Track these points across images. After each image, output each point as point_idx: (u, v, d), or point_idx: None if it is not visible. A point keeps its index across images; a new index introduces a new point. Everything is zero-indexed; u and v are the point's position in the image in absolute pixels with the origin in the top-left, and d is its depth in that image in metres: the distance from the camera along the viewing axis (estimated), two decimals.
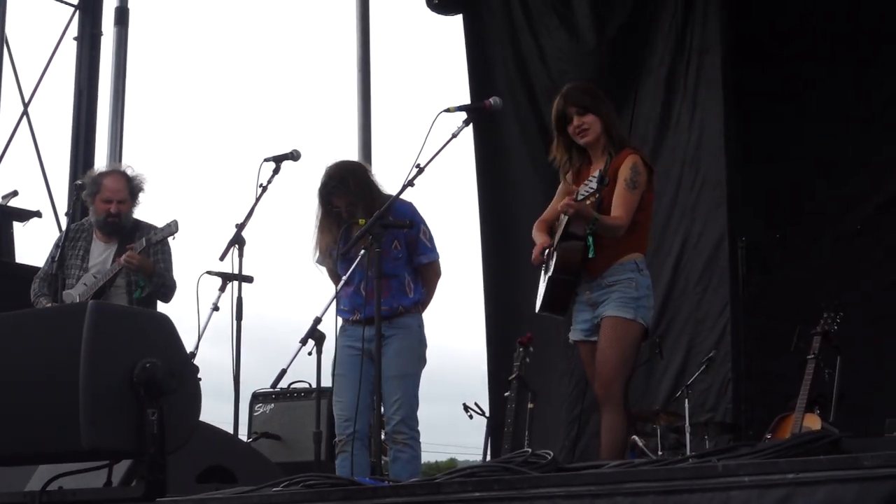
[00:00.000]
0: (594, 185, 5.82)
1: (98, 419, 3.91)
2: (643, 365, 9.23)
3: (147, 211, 7.89)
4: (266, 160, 7.16)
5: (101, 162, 10.24)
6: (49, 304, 7.60)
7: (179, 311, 7.78)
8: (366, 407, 6.52)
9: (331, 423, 7.21)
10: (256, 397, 8.40)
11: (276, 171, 7.18)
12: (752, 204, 9.33)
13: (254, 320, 7.38)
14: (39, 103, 10.56)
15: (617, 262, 6.02)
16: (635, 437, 8.29)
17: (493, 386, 10.08)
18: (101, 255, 7.71)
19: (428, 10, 11.16)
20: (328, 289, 6.48)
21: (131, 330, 4.10)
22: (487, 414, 9.67)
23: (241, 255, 7.07)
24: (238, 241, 7.06)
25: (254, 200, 7.14)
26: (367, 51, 11.54)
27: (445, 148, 6.11)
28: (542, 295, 6.25)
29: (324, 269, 7.01)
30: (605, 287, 6.03)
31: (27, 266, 9.16)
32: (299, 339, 6.24)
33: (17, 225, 10.03)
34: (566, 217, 6.00)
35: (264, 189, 7.15)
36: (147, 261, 7.48)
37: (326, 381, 6.76)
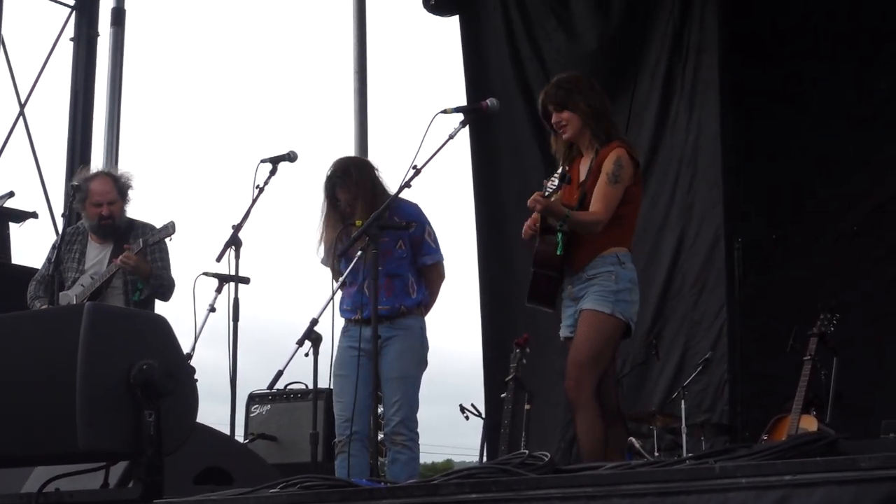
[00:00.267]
0: (557, 182, 5.84)
1: (95, 421, 3.90)
2: (639, 366, 9.25)
3: (143, 211, 7.90)
4: (263, 161, 7.16)
5: (97, 163, 10.22)
6: (44, 307, 7.59)
7: (176, 312, 7.77)
8: (365, 408, 6.52)
9: (328, 424, 7.21)
10: (253, 398, 8.40)
11: (272, 172, 7.17)
12: (749, 204, 9.34)
13: (250, 321, 7.39)
14: (36, 104, 10.56)
15: (598, 256, 5.97)
16: (632, 439, 8.30)
17: (490, 387, 10.07)
18: (97, 256, 7.71)
19: (425, 11, 11.15)
20: (325, 290, 6.47)
21: (128, 331, 4.10)
22: (484, 415, 9.68)
23: (237, 257, 7.07)
24: (235, 242, 7.05)
25: (250, 202, 7.14)
26: (364, 52, 11.54)
27: (442, 149, 6.10)
28: (528, 286, 6.25)
29: (328, 270, 6.99)
30: (586, 281, 5.97)
31: (23, 267, 9.15)
32: (296, 340, 6.25)
33: (13, 226, 10.01)
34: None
35: (261, 190, 7.15)
36: (144, 262, 7.47)
37: (323, 383, 6.75)
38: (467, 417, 9.55)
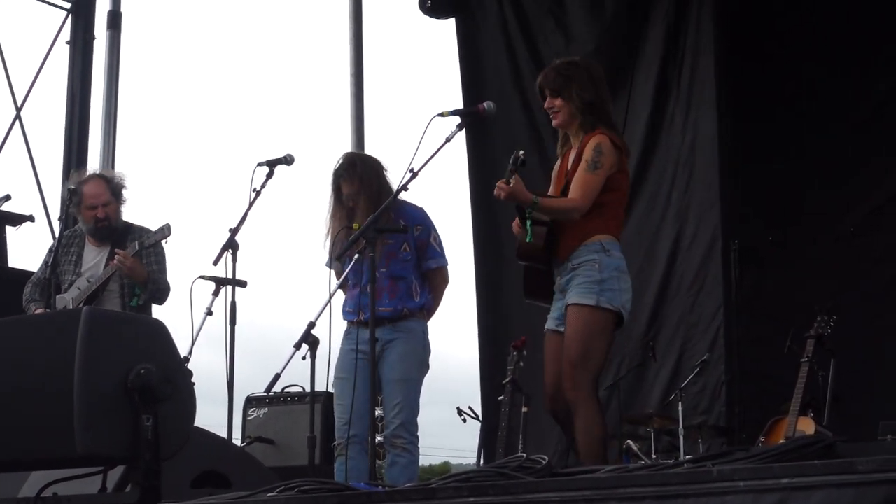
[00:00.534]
0: (510, 165, 5.78)
1: (92, 425, 3.89)
2: (636, 368, 9.26)
3: (140, 214, 7.91)
4: (260, 164, 7.14)
5: (94, 166, 10.22)
6: (40, 310, 7.59)
7: (173, 315, 7.77)
8: (365, 411, 6.51)
9: (325, 428, 7.21)
10: (250, 401, 8.40)
11: (269, 175, 7.16)
12: (746, 205, 9.36)
13: (247, 325, 7.39)
14: (32, 107, 10.58)
15: (582, 244, 5.89)
16: (630, 442, 8.31)
17: (487, 390, 10.07)
18: (93, 259, 7.71)
19: (421, 13, 11.16)
20: (322, 293, 6.47)
21: (126, 336, 4.09)
22: (481, 418, 9.68)
23: (234, 260, 7.05)
24: (232, 245, 7.04)
25: (247, 205, 7.13)
26: (360, 54, 11.54)
27: (439, 152, 6.09)
28: (522, 282, 6.23)
29: (325, 273, 7.00)
30: (571, 270, 5.90)
31: (20, 270, 9.14)
32: (293, 343, 6.25)
33: (9, 229, 10.01)
34: None
35: (258, 193, 7.13)
36: (140, 266, 7.47)
37: (320, 386, 6.75)
38: (465, 420, 9.56)
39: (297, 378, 7.80)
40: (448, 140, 6.07)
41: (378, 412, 7.66)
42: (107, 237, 7.69)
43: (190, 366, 6.84)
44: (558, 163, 6.26)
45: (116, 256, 7.40)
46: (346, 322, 6.95)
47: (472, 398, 10.13)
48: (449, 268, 7.10)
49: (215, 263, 7.08)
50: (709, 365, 8.84)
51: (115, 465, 4.26)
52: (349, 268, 6.52)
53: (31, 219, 10.13)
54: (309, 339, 6.26)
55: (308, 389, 6.79)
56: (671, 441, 8.56)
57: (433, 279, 6.99)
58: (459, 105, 10.23)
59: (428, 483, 4.06)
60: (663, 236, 9.59)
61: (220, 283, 7.19)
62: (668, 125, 9.71)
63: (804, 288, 8.80)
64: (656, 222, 9.65)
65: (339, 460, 6.70)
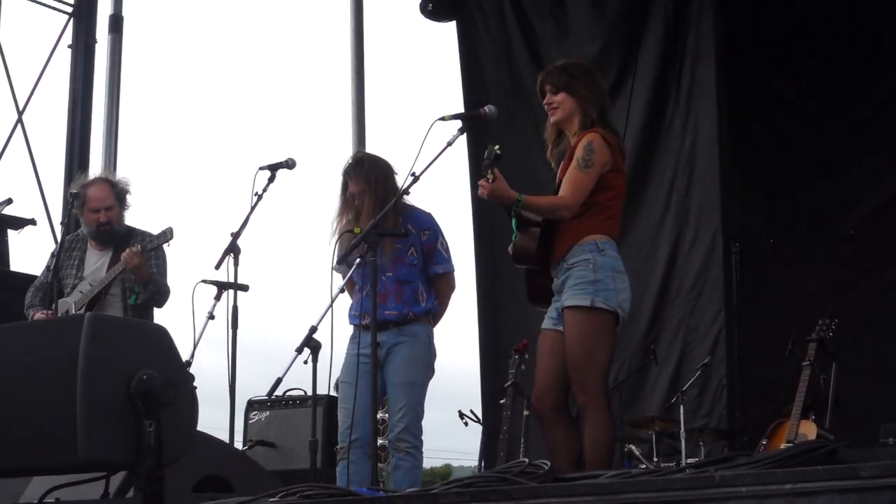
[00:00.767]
0: (485, 160, 5.73)
1: (95, 431, 3.90)
2: (636, 372, 9.26)
3: (141, 218, 7.91)
4: (261, 168, 7.15)
5: (95, 169, 10.24)
6: (39, 315, 7.60)
7: (175, 319, 7.78)
8: (366, 415, 6.50)
9: (327, 431, 7.21)
10: (252, 405, 8.40)
11: (271, 179, 7.16)
12: (746, 208, 9.35)
13: (249, 329, 7.40)
14: (34, 111, 10.58)
15: (576, 244, 5.85)
16: (632, 447, 8.31)
17: (488, 393, 10.07)
18: (95, 263, 7.71)
19: (422, 16, 11.16)
20: (324, 297, 6.47)
21: (128, 342, 4.09)
22: (482, 421, 9.68)
23: (236, 264, 7.06)
24: (233, 249, 7.04)
25: (249, 209, 7.13)
26: (361, 57, 11.55)
27: (440, 156, 6.08)
28: (525, 288, 6.22)
29: (327, 277, 7.00)
30: (566, 271, 5.86)
31: (22, 274, 9.15)
32: (295, 347, 6.25)
33: (11, 233, 10.02)
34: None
35: (259, 197, 7.13)
36: (145, 264, 7.48)
37: (322, 390, 6.75)
38: (466, 423, 9.57)
39: (298, 382, 7.81)
40: (449, 144, 6.05)
41: (383, 416, 7.67)
42: (109, 241, 7.70)
43: (192, 369, 6.86)
44: (552, 158, 6.24)
45: (127, 251, 7.39)
46: (351, 326, 6.95)
47: (474, 401, 10.14)
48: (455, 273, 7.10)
49: (217, 267, 7.09)
50: (710, 368, 8.83)
51: (117, 471, 4.26)
52: (351, 272, 6.53)
53: (32, 222, 10.14)
54: (311, 343, 6.26)
55: (310, 393, 6.79)
56: (672, 444, 8.57)
57: (439, 284, 6.98)
58: (460, 108, 10.26)
59: (430, 489, 4.07)
60: (663, 239, 9.59)
61: (221, 287, 7.19)
62: (667, 128, 9.71)
63: (805, 291, 8.80)
64: (655, 225, 9.65)
65: (342, 464, 6.69)
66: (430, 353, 6.89)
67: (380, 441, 7.13)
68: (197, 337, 7.16)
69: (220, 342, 7.08)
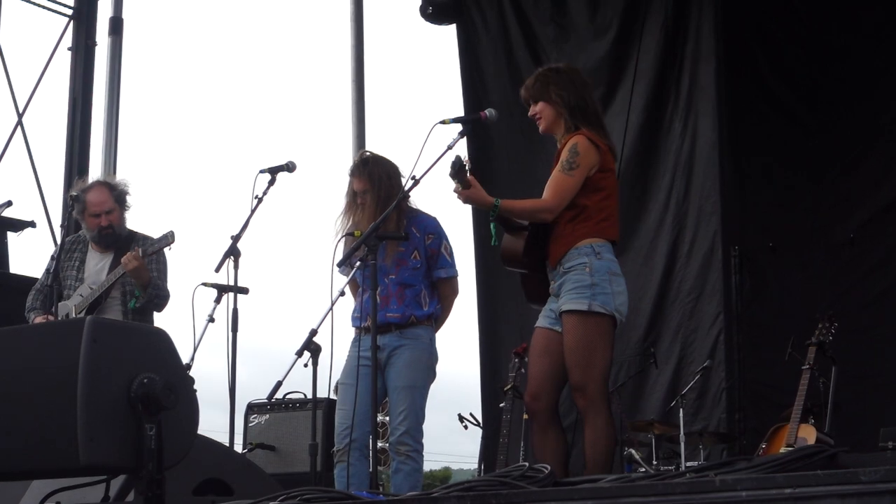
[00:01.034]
0: (450, 170, 5.77)
1: (96, 435, 3.89)
2: (635, 375, 9.26)
3: (141, 221, 7.91)
4: (262, 171, 7.16)
5: (95, 172, 10.25)
6: (40, 318, 7.60)
7: (175, 322, 7.78)
8: (366, 416, 6.51)
9: (327, 434, 7.21)
10: (251, 408, 8.40)
11: (271, 182, 7.17)
12: (746, 212, 9.36)
13: (249, 332, 7.40)
14: (34, 113, 10.58)
15: (573, 248, 5.85)
16: (632, 450, 8.30)
17: (487, 396, 10.07)
18: (96, 266, 7.71)
19: (422, 19, 11.16)
20: (324, 300, 6.48)
21: (129, 345, 4.08)
22: (482, 424, 9.68)
23: (236, 267, 7.07)
24: (233, 252, 7.05)
25: (249, 212, 7.14)
26: (361, 60, 11.55)
27: (441, 160, 6.08)
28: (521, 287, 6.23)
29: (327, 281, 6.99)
30: (562, 274, 5.87)
31: (21, 276, 9.16)
32: (295, 350, 6.25)
33: (11, 235, 10.02)
34: None
35: (260, 200, 7.14)
36: (146, 268, 7.48)
37: (322, 393, 6.76)
38: (466, 427, 9.57)
39: (298, 385, 7.81)
40: (450, 147, 6.05)
41: (383, 418, 7.67)
42: (111, 244, 7.70)
43: (192, 372, 6.86)
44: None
45: (127, 254, 7.39)
46: (353, 329, 6.95)
47: (474, 404, 10.14)
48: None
49: (217, 270, 7.10)
50: (709, 371, 8.83)
51: (118, 475, 4.26)
52: (353, 273, 6.53)
53: (32, 225, 10.14)
54: (311, 347, 6.26)
55: (309, 396, 6.79)
56: (672, 448, 8.56)
57: (443, 289, 6.99)
58: (460, 112, 10.28)
59: (430, 492, 4.07)
60: (661, 242, 9.59)
61: (222, 290, 7.20)
62: (666, 130, 9.71)
63: (805, 294, 8.81)
64: (654, 227, 9.65)
65: (339, 466, 6.69)
66: (431, 357, 6.89)
67: (380, 444, 7.13)
68: (197, 340, 7.16)
69: (220, 345, 7.09)
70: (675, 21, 9.74)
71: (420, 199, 6.92)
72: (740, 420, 8.68)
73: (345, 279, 6.74)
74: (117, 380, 3.99)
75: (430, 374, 6.90)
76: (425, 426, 6.85)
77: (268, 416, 8.35)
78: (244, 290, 7.21)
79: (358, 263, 6.38)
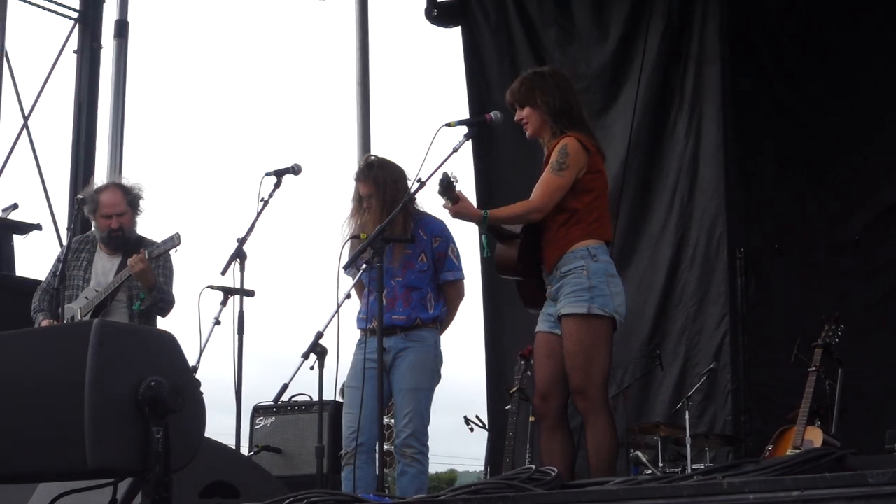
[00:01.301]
0: (439, 187, 5.77)
1: (103, 438, 3.89)
2: (641, 378, 9.26)
3: (146, 223, 7.91)
4: (267, 174, 7.16)
5: (101, 175, 10.25)
6: (47, 320, 7.60)
7: (181, 325, 7.78)
8: (373, 420, 6.51)
9: (334, 437, 7.21)
10: (257, 410, 8.39)
11: (277, 185, 7.17)
12: (751, 213, 9.35)
13: (256, 334, 7.40)
14: (39, 116, 10.58)
15: (568, 251, 5.85)
16: (638, 453, 8.30)
17: (493, 399, 10.07)
18: (104, 267, 7.72)
19: (427, 21, 11.17)
20: (331, 303, 6.48)
21: (136, 348, 4.08)
22: (488, 427, 9.68)
23: (242, 270, 7.06)
24: (239, 255, 7.05)
25: (255, 214, 7.14)
26: (366, 62, 11.54)
27: (446, 162, 6.08)
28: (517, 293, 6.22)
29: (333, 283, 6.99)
30: (560, 279, 5.85)
31: (27, 279, 9.17)
32: (301, 353, 6.25)
33: (17, 238, 10.03)
34: None
35: (265, 203, 7.14)
36: (151, 271, 7.48)
37: (328, 395, 6.76)
38: (472, 429, 9.57)
39: (305, 387, 7.81)
40: (455, 150, 6.06)
41: (388, 421, 7.68)
42: (119, 247, 7.70)
43: (198, 375, 6.87)
44: None
45: (133, 256, 7.39)
46: (358, 331, 6.96)
47: (479, 406, 10.14)
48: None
49: (223, 273, 7.09)
50: (715, 374, 8.82)
51: (125, 477, 4.26)
52: (359, 276, 6.54)
53: (38, 227, 10.16)
54: (317, 349, 6.26)
55: (316, 399, 6.79)
56: (678, 450, 8.56)
57: (449, 292, 6.99)
58: (465, 114, 10.28)
59: (437, 495, 4.07)
60: (665, 244, 9.58)
61: (228, 292, 7.20)
62: (670, 131, 9.71)
63: (810, 296, 8.80)
64: (658, 229, 9.65)
65: (347, 469, 6.69)
66: (436, 359, 6.90)
67: (385, 446, 7.13)
68: (203, 343, 7.16)
69: (226, 348, 7.10)
70: (680, 21, 9.75)
71: (427, 202, 6.92)
72: (746, 422, 8.69)
73: (351, 281, 6.74)
74: (124, 383, 3.99)
75: (436, 377, 6.90)
76: (431, 428, 6.86)
77: (274, 418, 8.34)
78: (250, 293, 7.21)
79: (364, 266, 6.38)
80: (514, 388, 8.55)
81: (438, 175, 5.88)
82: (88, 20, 10.75)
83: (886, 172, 8.99)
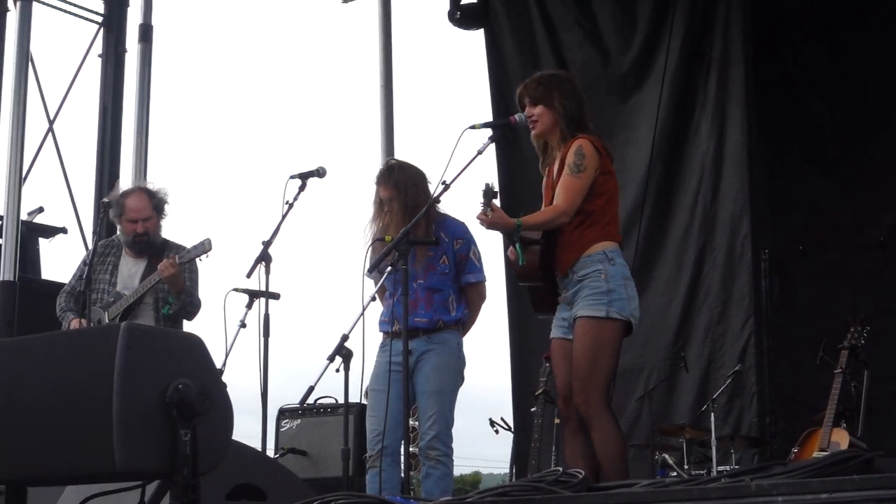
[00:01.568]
0: (482, 198, 5.74)
1: (131, 440, 3.90)
2: (665, 380, 9.25)
3: (171, 227, 7.94)
4: (292, 177, 7.17)
5: (126, 178, 10.28)
6: (75, 320, 7.62)
7: (207, 328, 7.80)
8: (397, 422, 6.52)
9: (359, 439, 7.22)
10: (283, 413, 8.41)
11: (301, 188, 7.18)
12: (775, 215, 9.33)
13: (281, 337, 7.41)
14: (64, 120, 10.63)
15: (584, 255, 5.84)
16: (665, 455, 8.29)
17: (518, 401, 10.07)
18: (129, 271, 7.74)
19: (450, 24, 11.19)
20: (356, 305, 6.49)
21: (164, 351, 4.10)
22: (513, 429, 9.68)
23: (267, 272, 7.07)
24: (265, 258, 7.06)
25: (280, 217, 7.15)
26: (390, 65, 11.55)
27: (471, 165, 6.08)
28: (530, 300, 6.21)
29: (358, 285, 7.00)
30: (577, 282, 5.84)
31: (52, 282, 9.21)
32: (327, 356, 6.25)
33: (42, 241, 10.08)
34: None
35: (290, 206, 7.15)
36: (181, 275, 7.51)
37: (354, 398, 6.76)
38: (497, 431, 9.57)
39: (330, 390, 7.82)
40: (479, 152, 6.05)
41: (413, 423, 7.68)
42: (144, 251, 7.73)
43: (224, 378, 6.88)
44: (544, 179, 6.22)
45: (164, 261, 7.42)
46: (381, 334, 6.96)
47: (504, 409, 10.14)
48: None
49: (249, 276, 7.11)
50: (740, 376, 8.81)
51: (153, 480, 4.27)
52: (383, 279, 6.54)
53: (63, 231, 10.21)
54: (342, 352, 6.26)
55: (341, 401, 6.80)
56: (703, 452, 8.55)
57: (471, 294, 6.98)
58: (490, 116, 10.28)
59: (464, 497, 4.08)
60: (689, 246, 9.58)
61: (253, 295, 7.21)
62: (694, 133, 9.71)
63: (835, 298, 8.77)
64: (682, 231, 9.65)
65: (371, 472, 6.70)
66: (459, 361, 6.90)
67: (410, 449, 7.14)
68: (229, 346, 7.18)
69: (251, 351, 7.11)
70: (703, 23, 9.74)
71: (448, 204, 6.92)
72: (771, 424, 8.67)
73: (375, 285, 6.75)
74: (152, 385, 4.00)
75: (458, 379, 6.90)
76: (455, 431, 6.86)
77: (299, 421, 8.36)
78: (275, 296, 7.23)
79: (389, 269, 6.38)
80: (539, 391, 8.55)
81: (463, 178, 5.89)
82: (113, 24, 10.79)
83: None
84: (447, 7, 11.19)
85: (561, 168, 5.94)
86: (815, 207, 9.24)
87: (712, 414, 8.32)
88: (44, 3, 10.31)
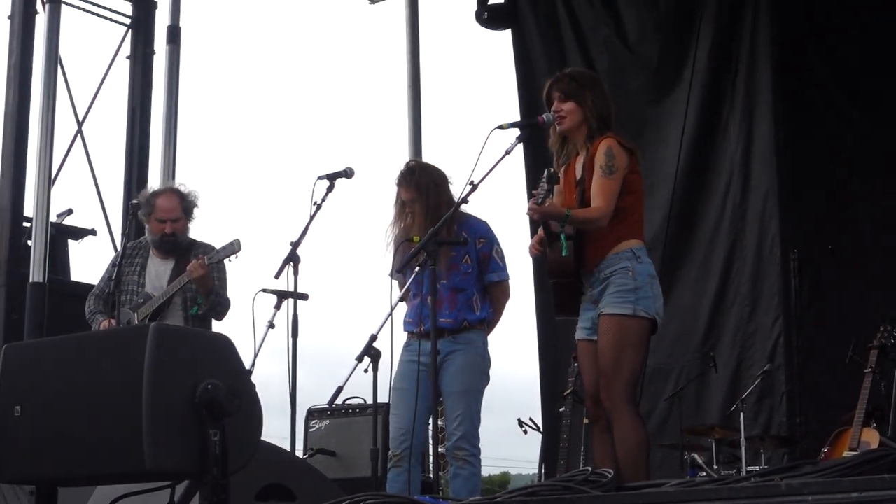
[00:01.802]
0: (545, 184, 5.73)
1: (161, 440, 3.92)
2: (695, 380, 9.24)
3: (200, 228, 7.95)
4: (320, 178, 7.17)
5: (154, 180, 10.32)
6: (105, 322, 7.65)
7: (235, 328, 7.81)
8: (422, 422, 6.52)
9: (388, 440, 7.23)
10: (312, 413, 8.42)
11: (330, 188, 7.18)
12: (804, 215, 9.31)
13: (309, 337, 7.43)
14: (93, 122, 10.64)
15: (611, 253, 5.82)
16: (694, 455, 8.27)
17: (547, 401, 10.07)
18: (157, 271, 7.75)
19: (477, 24, 11.20)
20: (384, 305, 6.48)
21: (193, 351, 4.11)
22: (542, 429, 9.68)
23: (296, 273, 7.08)
24: (293, 258, 7.07)
25: (308, 218, 7.16)
26: (417, 65, 11.58)
27: (498, 165, 6.08)
28: (552, 300, 6.18)
29: (387, 286, 7.00)
30: (603, 280, 5.81)
31: (82, 284, 9.24)
32: (355, 356, 6.26)
33: (71, 243, 10.11)
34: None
35: (318, 207, 7.16)
36: (210, 276, 7.52)
37: (382, 398, 6.76)
38: (525, 431, 9.57)
39: (359, 390, 7.83)
40: (507, 152, 6.04)
41: (442, 423, 7.67)
42: (171, 251, 7.74)
43: (252, 378, 6.89)
44: (562, 177, 6.19)
45: (194, 262, 7.43)
46: (406, 333, 6.95)
47: (532, 408, 10.13)
48: (511, 282, 7.08)
49: (277, 277, 7.12)
50: (770, 375, 8.78)
51: (182, 480, 4.29)
52: (410, 279, 6.53)
53: (92, 233, 10.24)
54: (371, 352, 6.26)
55: (369, 401, 6.80)
56: (732, 452, 8.53)
57: (494, 292, 6.97)
58: (516, 116, 10.28)
59: (493, 497, 4.08)
60: (718, 246, 9.57)
61: (281, 296, 7.23)
62: (722, 132, 9.70)
63: (865, 297, 8.76)
64: (711, 231, 9.64)
65: (393, 472, 6.69)
66: (484, 361, 6.89)
67: (438, 449, 7.14)
68: (257, 346, 7.20)
69: (280, 351, 7.12)
70: (731, 23, 9.72)
71: (477, 204, 6.91)
72: (801, 424, 8.65)
73: (403, 285, 6.74)
74: (182, 385, 4.02)
75: (484, 379, 6.89)
76: (483, 431, 6.84)
77: (328, 421, 8.36)
78: (304, 296, 7.24)
79: (417, 269, 6.38)
80: (568, 391, 8.54)
81: (491, 177, 5.89)
82: (141, 26, 10.81)
83: None
84: (474, 7, 11.21)
85: (589, 168, 5.93)
86: (844, 207, 9.21)
87: (742, 414, 8.30)
88: (72, 6, 10.33)
